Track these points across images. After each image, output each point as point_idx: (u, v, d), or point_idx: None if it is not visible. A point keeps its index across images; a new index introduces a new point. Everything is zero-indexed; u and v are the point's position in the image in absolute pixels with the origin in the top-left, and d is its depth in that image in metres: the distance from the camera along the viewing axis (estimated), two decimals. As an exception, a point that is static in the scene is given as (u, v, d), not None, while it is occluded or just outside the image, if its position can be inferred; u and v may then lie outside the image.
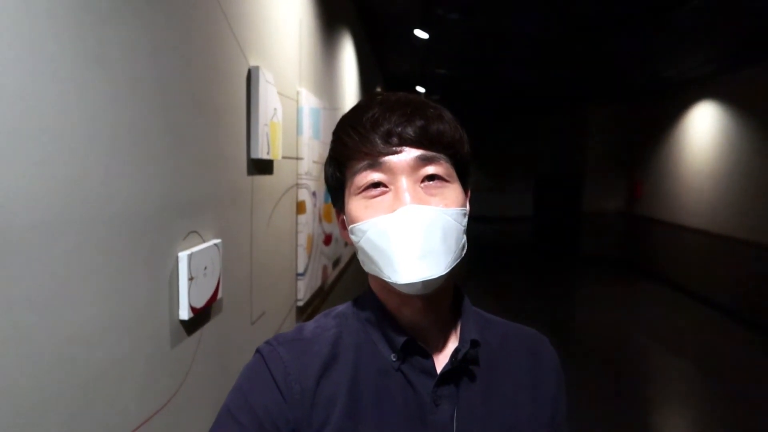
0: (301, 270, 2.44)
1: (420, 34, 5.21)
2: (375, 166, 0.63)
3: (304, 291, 2.46)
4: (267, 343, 0.69)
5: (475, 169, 11.37)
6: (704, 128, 6.82)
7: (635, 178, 8.76)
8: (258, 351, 0.69)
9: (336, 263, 3.51)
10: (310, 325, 0.72)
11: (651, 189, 8.26)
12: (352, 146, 0.65)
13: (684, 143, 7.31)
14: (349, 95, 4.58)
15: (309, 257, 2.58)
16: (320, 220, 2.91)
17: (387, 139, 0.63)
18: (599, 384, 4.17)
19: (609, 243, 9.14)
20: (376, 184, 0.64)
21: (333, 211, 0.74)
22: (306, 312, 2.58)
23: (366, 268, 0.69)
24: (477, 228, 12.21)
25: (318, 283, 2.83)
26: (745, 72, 5.97)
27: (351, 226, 0.67)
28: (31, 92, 0.74)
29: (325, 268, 3.04)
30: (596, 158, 9.18)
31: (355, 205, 0.66)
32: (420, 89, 9.31)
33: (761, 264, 5.56)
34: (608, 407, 3.78)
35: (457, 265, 0.65)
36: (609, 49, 5.61)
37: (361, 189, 0.65)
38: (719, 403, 3.92)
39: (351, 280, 4.15)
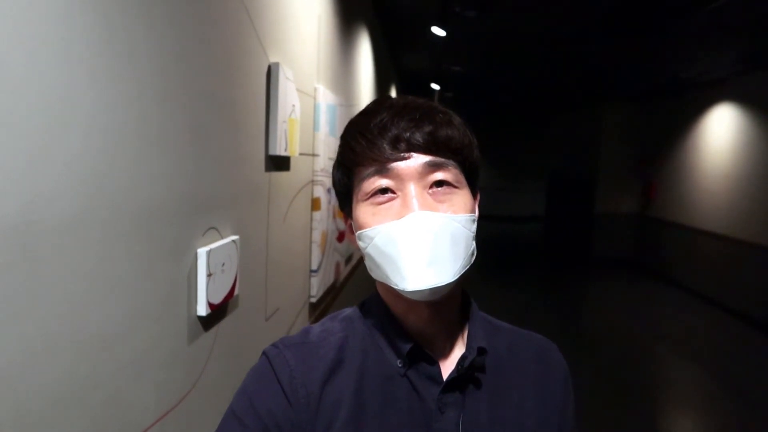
0: (314, 266, 2.44)
1: (437, 31, 5.18)
2: (383, 172, 0.63)
3: (317, 288, 2.46)
4: (273, 345, 0.69)
5: (487, 168, 11.24)
6: (722, 130, 6.72)
7: (649, 180, 8.66)
8: (264, 353, 0.68)
9: (348, 260, 3.52)
10: (317, 328, 0.71)
11: (665, 191, 8.15)
12: (359, 152, 0.64)
13: (701, 145, 7.21)
14: (365, 92, 4.57)
15: (322, 254, 2.58)
16: (334, 216, 2.91)
17: (395, 144, 0.62)
18: (610, 387, 4.14)
19: (621, 245, 9.05)
20: (384, 190, 0.63)
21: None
22: (319, 308, 2.59)
23: (373, 275, 0.68)
24: (488, 227, 12.15)
25: (331, 279, 2.84)
26: (765, 74, 5.87)
27: (358, 232, 0.66)
28: (61, 91, 0.74)
29: (338, 265, 3.04)
30: (610, 158, 9.06)
31: (363, 211, 0.65)
32: (435, 86, 9.28)
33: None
34: (620, 411, 3.75)
35: (466, 271, 0.64)
36: (626, 48, 5.55)
37: (369, 195, 0.64)
38: (734, 408, 3.88)
39: (363, 277, 4.15)
